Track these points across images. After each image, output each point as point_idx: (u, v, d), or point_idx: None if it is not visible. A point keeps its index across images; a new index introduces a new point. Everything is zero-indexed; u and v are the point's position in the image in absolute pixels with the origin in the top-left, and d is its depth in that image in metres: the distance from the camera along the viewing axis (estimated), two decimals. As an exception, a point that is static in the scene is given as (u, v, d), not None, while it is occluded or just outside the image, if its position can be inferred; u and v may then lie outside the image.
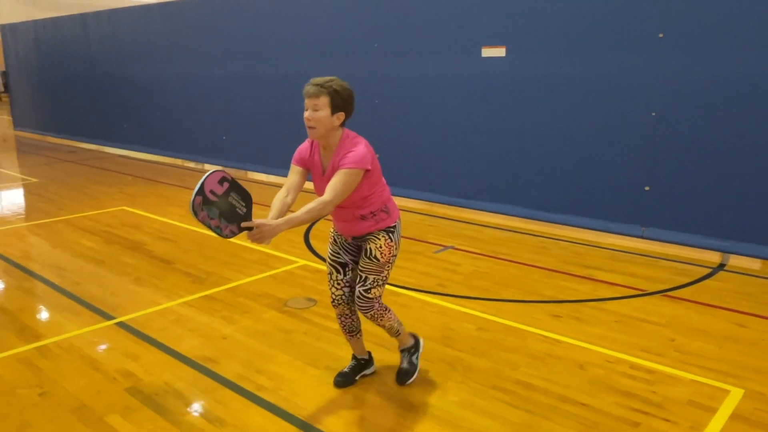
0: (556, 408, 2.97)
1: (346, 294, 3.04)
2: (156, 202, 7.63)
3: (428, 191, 7.13)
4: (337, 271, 3.03)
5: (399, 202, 7.26)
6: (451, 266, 5.10)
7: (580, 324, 3.94)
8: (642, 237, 5.58)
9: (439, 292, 4.52)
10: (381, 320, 3.01)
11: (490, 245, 5.69)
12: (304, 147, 2.91)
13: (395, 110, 7.30)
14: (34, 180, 9.18)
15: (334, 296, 3.06)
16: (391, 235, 2.92)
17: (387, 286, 4.56)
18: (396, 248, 2.95)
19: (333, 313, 4.02)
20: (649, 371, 3.33)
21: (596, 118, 5.73)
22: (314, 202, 2.60)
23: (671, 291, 4.51)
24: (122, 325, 3.98)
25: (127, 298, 4.44)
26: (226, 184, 2.48)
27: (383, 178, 2.93)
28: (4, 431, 2.81)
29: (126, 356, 3.53)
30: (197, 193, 2.41)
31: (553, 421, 2.87)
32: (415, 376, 3.19)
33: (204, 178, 2.43)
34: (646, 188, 5.52)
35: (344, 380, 3.19)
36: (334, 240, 3.06)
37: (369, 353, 3.32)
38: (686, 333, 3.80)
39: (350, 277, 3.03)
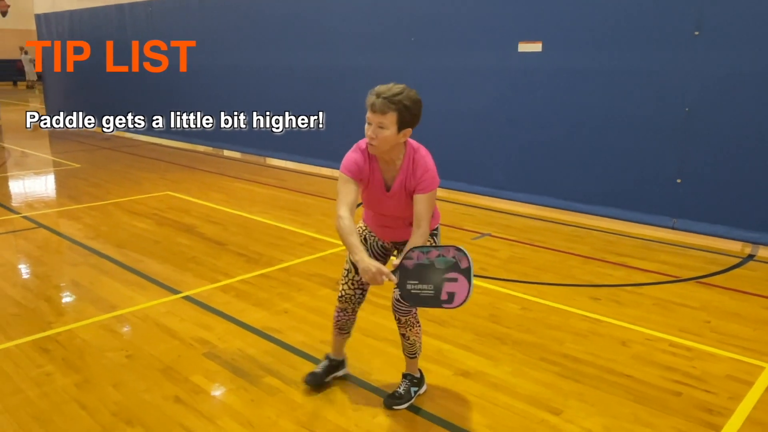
0: (604, 379, 3.22)
1: (357, 295, 2.94)
2: (198, 187, 7.93)
3: (463, 181, 7.36)
4: (356, 272, 2.86)
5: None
6: (490, 252, 5.34)
7: (619, 306, 4.17)
8: (673, 228, 5.78)
9: (481, 275, 4.76)
10: (410, 330, 2.87)
11: (525, 233, 5.92)
12: (360, 159, 2.65)
13: (431, 102, 7.48)
14: (77, 165, 9.52)
15: (344, 293, 2.94)
16: (434, 238, 2.83)
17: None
18: None
19: (384, 291, 4.30)
20: (688, 349, 3.56)
21: (630, 112, 5.92)
22: (419, 229, 2.55)
23: (704, 278, 4.73)
24: (188, 298, 4.26)
25: (188, 275, 4.72)
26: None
27: None
28: (101, 387, 3.10)
29: (198, 326, 3.82)
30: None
31: (602, 390, 3.11)
32: (404, 406, 2.92)
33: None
34: (678, 181, 5.72)
35: (314, 379, 3.05)
36: (365, 239, 2.93)
37: (344, 355, 3.20)
38: (721, 316, 4.02)
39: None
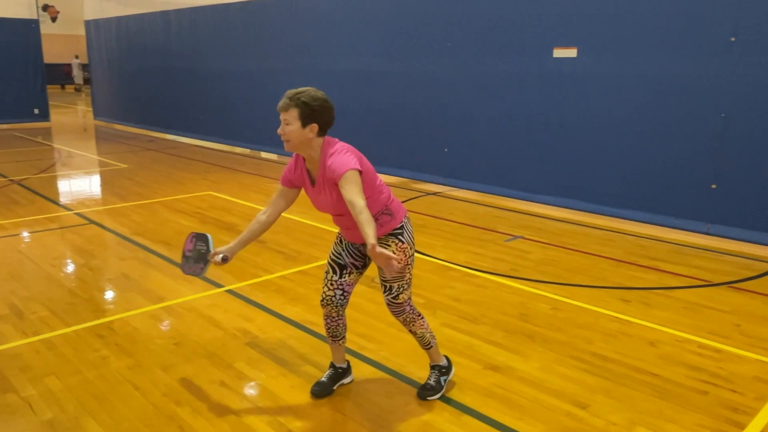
0: (631, 376, 3.30)
1: (337, 296, 3.00)
2: (239, 188, 8.21)
3: (496, 184, 7.47)
4: (334, 272, 3.01)
5: (467, 194, 7.67)
6: (522, 254, 5.44)
7: (649, 308, 4.24)
8: (707, 233, 5.79)
9: (512, 275, 4.87)
10: (413, 325, 3.01)
11: (557, 236, 6.00)
12: (290, 164, 2.92)
13: (466, 107, 7.66)
14: (124, 166, 9.93)
15: (324, 295, 3.02)
16: (400, 237, 2.87)
17: (463, 269, 4.97)
18: (410, 248, 2.90)
19: (419, 289, 4.45)
20: (716, 351, 3.62)
21: (664, 117, 5.95)
22: (359, 215, 2.48)
23: (736, 283, 4.74)
24: (231, 292, 4.49)
25: (230, 270, 4.95)
26: (193, 240, 3.06)
27: (378, 179, 2.87)
28: (152, 371, 3.33)
29: (240, 317, 4.03)
30: (182, 262, 3.11)
31: (628, 387, 3.20)
32: (437, 396, 3.08)
33: (184, 247, 3.09)
34: (713, 186, 5.72)
35: (321, 390, 3.10)
36: (340, 240, 3.05)
37: (348, 362, 3.25)
38: (751, 320, 4.05)
39: (345, 281, 3.00)
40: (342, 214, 2.84)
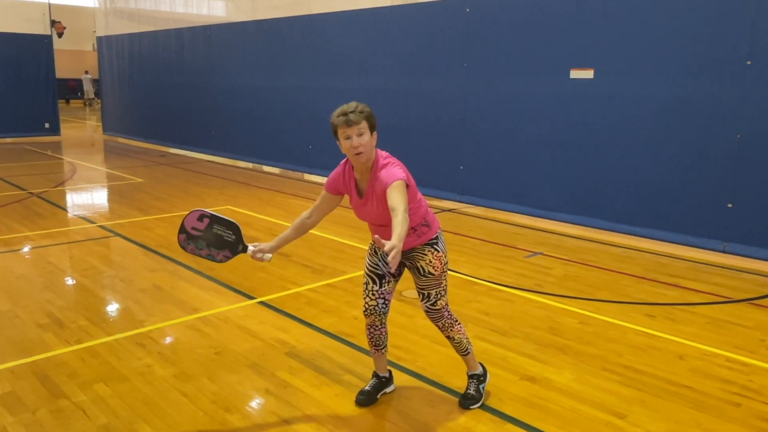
0: (664, 388, 3.39)
1: (379, 305, 3.07)
2: (256, 203, 8.32)
3: (514, 203, 7.57)
4: (373, 282, 3.07)
5: (482, 212, 7.78)
6: (544, 269, 5.54)
7: (674, 323, 4.33)
8: (723, 252, 5.90)
9: (537, 290, 4.97)
10: (451, 330, 3.14)
11: (576, 253, 6.10)
12: (337, 173, 3.01)
13: (482, 126, 7.80)
14: (139, 180, 10.04)
15: (367, 306, 3.09)
16: (435, 246, 2.99)
17: (488, 284, 5.07)
18: (445, 257, 3.03)
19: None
20: (745, 364, 3.71)
21: (681, 138, 6.09)
22: (396, 218, 2.57)
23: (757, 300, 4.84)
24: (263, 303, 4.57)
25: (259, 283, 5.04)
26: (206, 220, 2.92)
27: (419, 193, 2.99)
28: (197, 379, 3.40)
29: (276, 328, 4.11)
30: (180, 232, 2.93)
31: (663, 398, 3.29)
32: (479, 404, 3.19)
33: (183, 219, 2.94)
34: (729, 205, 5.85)
35: (366, 399, 3.19)
36: (374, 251, 3.11)
37: (390, 371, 3.35)
38: (775, 335, 4.15)
39: (385, 290, 3.07)
40: (385, 224, 2.92)
